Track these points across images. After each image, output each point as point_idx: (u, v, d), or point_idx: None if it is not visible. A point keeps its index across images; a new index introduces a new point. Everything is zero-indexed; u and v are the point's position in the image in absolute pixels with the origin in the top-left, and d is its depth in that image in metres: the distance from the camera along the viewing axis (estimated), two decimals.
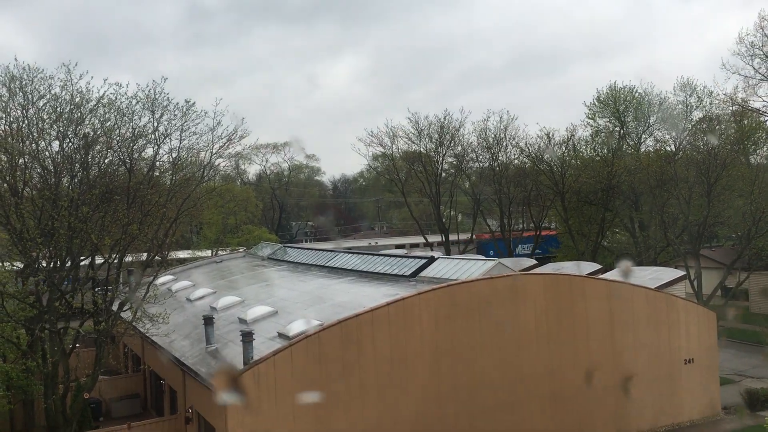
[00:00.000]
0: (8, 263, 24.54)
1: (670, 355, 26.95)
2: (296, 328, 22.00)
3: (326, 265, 35.70)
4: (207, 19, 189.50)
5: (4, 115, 22.44)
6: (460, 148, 65.99)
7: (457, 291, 23.08)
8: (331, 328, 20.94)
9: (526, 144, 59.68)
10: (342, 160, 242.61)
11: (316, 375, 20.47)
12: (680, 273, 31.89)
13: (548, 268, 34.28)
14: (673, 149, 52.31)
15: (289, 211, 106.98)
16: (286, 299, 28.64)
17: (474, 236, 72.09)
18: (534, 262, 36.99)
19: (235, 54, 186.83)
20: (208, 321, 24.82)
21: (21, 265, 24.22)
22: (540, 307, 24.26)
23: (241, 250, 53.77)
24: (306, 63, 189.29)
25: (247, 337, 20.67)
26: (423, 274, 28.17)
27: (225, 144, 25.24)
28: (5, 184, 22.61)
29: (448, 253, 60.06)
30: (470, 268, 26.95)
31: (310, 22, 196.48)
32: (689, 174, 42.97)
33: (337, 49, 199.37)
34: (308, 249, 44.56)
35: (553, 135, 56.59)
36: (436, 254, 32.82)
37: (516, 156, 63.31)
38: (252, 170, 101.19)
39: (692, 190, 42.36)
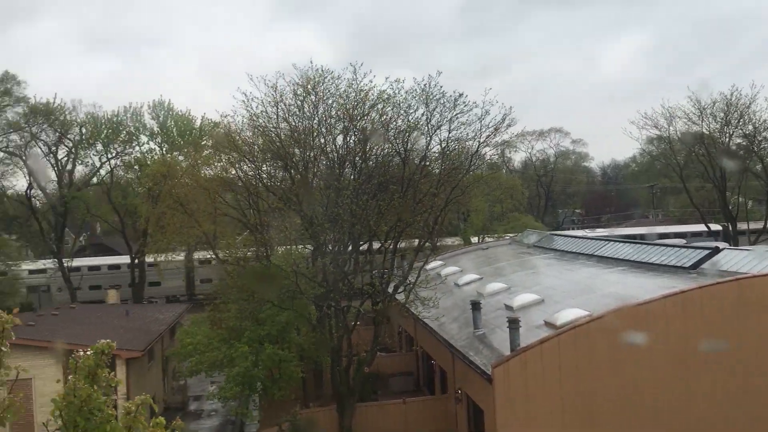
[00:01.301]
0: (301, 246, 27.59)
1: None
2: (564, 317, 21.53)
3: (595, 253, 34.35)
4: (485, 9, 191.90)
5: (299, 113, 25.16)
6: (751, 126, 58.99)
7: (748, 285, 20.72)
8: (601, 320, 20.10)
9: None
10: (612, 144, 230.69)
11: (584, 367, 19.85)
12: None
13: None
14: None
15: (555, 199, 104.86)
16: (553, 287, 28.14)
17: None
18: None
19: (508, 42, 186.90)
20: (476, 306, 25.35)
21: (311, 248, 27.02)
22: None
23: (507, 238, 54.01)
24: (579, 47, 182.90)
25: (514, 324, 20.72)
26: (705, 266, 25.71)
27: (492, 133, 25.49)
28: (298, 176, 25.34)
29: (734, 243, 54.18)
30: (764, 260, 24.00)
31: (590, 2, 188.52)
32: None
33: (614, 29, 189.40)
34: (576, 237, 43.29)
35: None
36: (720, 245, 29.80)
37: None
38: (517, 158, 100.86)
39: None
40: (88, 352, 6.67)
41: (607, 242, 35.92)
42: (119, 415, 6.72)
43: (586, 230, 75.32)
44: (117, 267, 63.09)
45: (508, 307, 25.81)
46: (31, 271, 61.01)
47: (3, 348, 6.31)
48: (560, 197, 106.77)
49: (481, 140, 25.58)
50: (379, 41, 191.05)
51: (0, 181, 54.32)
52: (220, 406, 33.01)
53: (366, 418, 26.85)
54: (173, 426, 7.00)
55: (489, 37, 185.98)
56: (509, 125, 25.28)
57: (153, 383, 33.57)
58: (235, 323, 27.97)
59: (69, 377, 6.58)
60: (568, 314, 21.66)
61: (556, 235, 47.05)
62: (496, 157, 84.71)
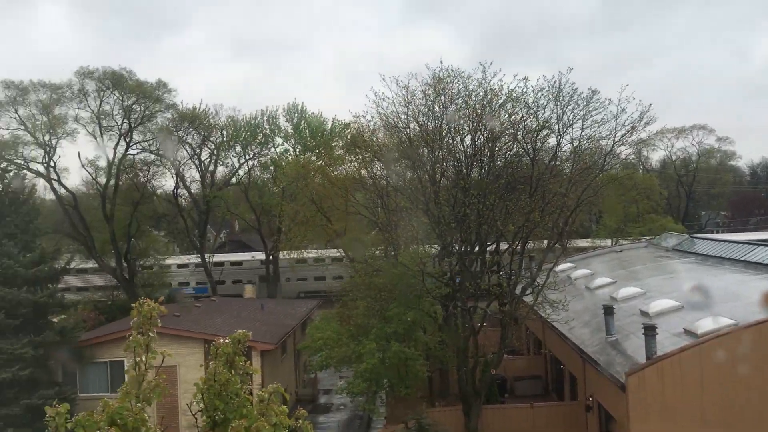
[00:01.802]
0: (428, 245, 27.73)
1: None
2: (705, 325, 20.26)
3: (742, 259, 32.03)
4: (627, 2, 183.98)
5: (429, 113, 25.33)
6: None
7: None
8: (748, 329, 18.77)
9: None
10: (762, 142, 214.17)
11: (727, 379, 18.60)
12: None
13: None
14: None
15: (697, 200, 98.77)
16: (693, 294, 26.54)
17: None
18: None
19: (649, 35, 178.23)
20: (608, 311, 24.43)
21: (438, 248, 27.09)
22: None
23: (643, 240, 51.57)
24: (725, 38, 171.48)
25: (650, 331, 19.77)
26: None
27: (628, 131, 24.44)
28: (426, 175, 25.50)
29: None
30: None
31: None
32: None
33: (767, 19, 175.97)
34: (720, 240, 40.56)
35: None
36: None
37: None
38: (655, 157, 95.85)
39: None
40: (227, 340, 7.11)
41: (756, 247, 33.41)
42: (254, 402, 7.10)
43: (733, 234, 70.52)
44: (255, 263, 66.22)
45: (644, 313, 24.65)
46: (178, 266, 65.45)
47: (151, 333, 6.82)
48: (703, 198, 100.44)
49: (616, 139, 24.62)
50: (512, 38, 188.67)
51: (151, 182, 58.58)
52: (348, 400, 33.84)
53: (492, 421, 26.57)
54: (297, 415, 7.29)
55: (630, 30, 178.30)
56: (647, 123, 24.17)
57: (285, 375, 34.97)
58: (362, 320, 28.57)
59: (210, 363, 7.05)
60: (710, 322, 20.38)
61: (697, 238, 44.31)
62: (632, 156, 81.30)
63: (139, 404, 6.53)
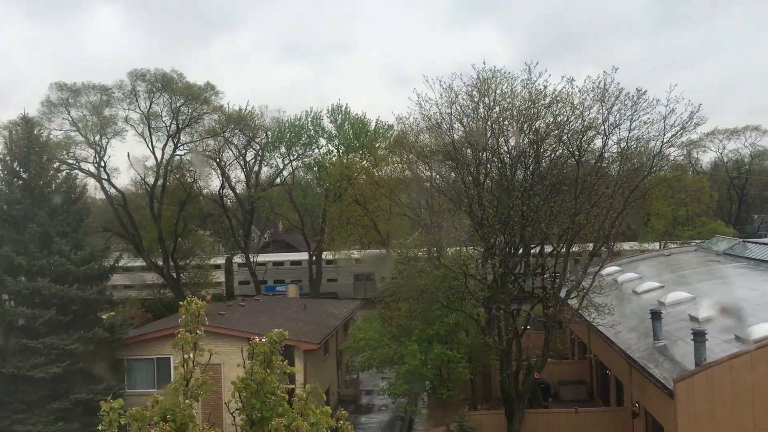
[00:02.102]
0: (471, 247, 27.55)
1: None
2: (759, 332, 19.64)
3: None
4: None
5: (474, 114, 25.17)
6: None
7: None
8: None
9: None
10: None
11: None
12: None
13: None
14: None
15: (749, 203, 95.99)
16: (745, 299, 25.78)
17: None
18: None
19: (702, 33, 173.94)
20: (656, 316, 23.91)
21: (481, 250, 26.90)
22: None
23: (692, 244, 50.38)
24: None
25: (699, 337, 19.28)
26: None
27: (678, 132, 23.88)
28: (470, 177, 25.34)
29: None
30: None
31: None
32: None
33: None
34: None
35: None
36: None
37: None
38: (706, 158, 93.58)
39: None
40: (263, 340, 7.16)
41: None
42: (294, 401, 7.13)
43: None
44: (298, 263, 66.74)
45: (693, 319, 24.06)
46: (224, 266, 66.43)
47: (198, 331, 6.92)
48: (756, 201, 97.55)
49: (665, 140, 24.07)
50: (563, 39, 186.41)
51: (197, 182, 59.63)
52: (390, 401, 33.84)
53: (535, 426, 26.26)
54: (337, 416, 7.30)
55: (682, 28, 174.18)
56: (697, 124, 23.56)
57: (328, 375, 35.15)
58: (405, 321, 28.54)
59: (247, 362, 7.12)
60: (764, 329, 19.76)
61: (749, 242, 43.06)
62: (682, 157, 79.51)
63: (187, 401, 6.64)
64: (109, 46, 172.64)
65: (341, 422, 7.36)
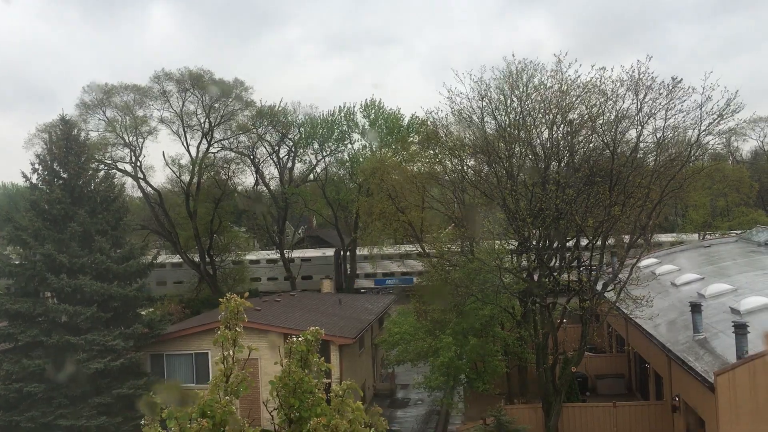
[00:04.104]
0: (505, 241, 27.38)
1: None
2: None
3: None
4: None
5: (505, 107, 24.98)
6: None
7: None
8: None
9: None
10: None
11: None
12: None
13: None
14: None
15: None
16: None
17: None
18: None
19: (759, 18, 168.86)
20: (696, 308, 23.50)
21: (515, 243, 26.71)
22: None
23: (732, 235, 49.35)
24: None
25: (741, 330, 18.91)
26: None
27: (715, 120, 23.39)
28: (503, 170, 25.17)
29: None
30: None
31: None
32: None
33: None
34: None
35: None
36: None
37: None
38: (746, 147, 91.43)
39: None
40: (300, 338, 7.20)
41: None
42: (331, 398, 7.16)
43: None
44: (328, 258, 66.95)
45: (734, 311, 23.60)
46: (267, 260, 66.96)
47: (238, 329, 7.00)
48: None
49: (702, 128, 23.59)
50: (613, 26, 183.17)
51: (232, 179, 60.26)
52: (426, 395, 33.88)
53: (573, 420, 26.04)
54: (372, 412, 7.32)
55: (739, 13, 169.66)
56: (735, 111, 23.02)
57: (363, 370, 35.31)
58: (439, 315, 28.50)
59: (284, 360, 7.16)
60: None
61: None
62: (721, 146, 77.84)
63: (227, 397, 6.72)
64: (165, 45, 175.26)
65: (375, 417, 7.38)
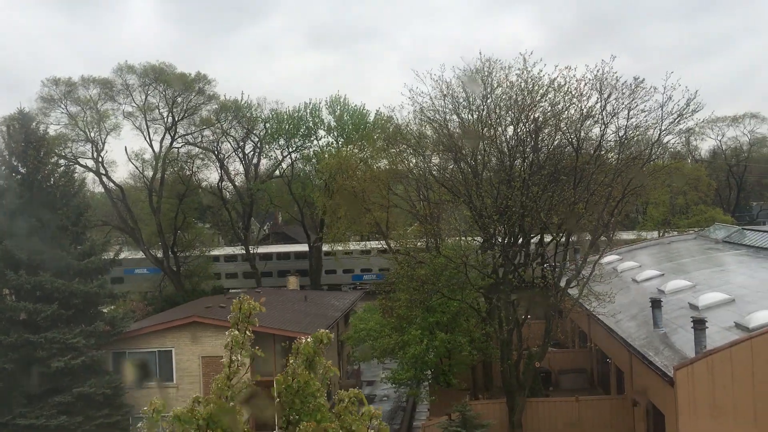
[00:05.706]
0: (470, 237, 27.56)
1: None
2: (758, 319, 19.73)
3: None
4: None
5: (468, 105, 25.14)
6: None
7: None
8: None
9: None
10: None
11: None
12: None
13: None
14: None
15: (748, 191, 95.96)
16: (745, 287, 25.86)
17: None
18: None
19: (737, 18, 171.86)
20: (656, 304, 23.98)
21: (480, 240, 26.90)
22: None
23: (691, 232, 50.43)
24: None
25: (699, 325, 19.36)
26: None
27: (675, 120, 23.85)
28: (468, 167, 25.32)
29: None
30: None
31: None
32: None
33: None
34: None
35: None
36: None
37: None
38: (705, 146, 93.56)
39: None
40: (308, 340, 7.00)
41: None
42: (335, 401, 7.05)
43: None
44: (300, 255, 66.64)
45: (693, 307, 24.14)
46: (225, 258, 66.36)
47: (248, 332, 6.79)
48: (755, 189, 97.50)
49: (663, 128, 24.04)
50: (595, 25, 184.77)
51: (196, 174, 59.52)
52: (391, 392, 33.98)
53: (536, 414, 26.36)
54: (372, 414, 7.22)
55: (716, 13, 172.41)
56: (694, 110, 23.51)
57: None
58: (405, 311, 28.59)
59: (290, 360, 6.98)
60: (763, 316, 19.84)
61: (749, 229, 43.10)
62: (680, 146, 79.32)
63: (232, 403, 6.54)
64: (142, 36, 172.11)
65: (376, 422, 7.22)
